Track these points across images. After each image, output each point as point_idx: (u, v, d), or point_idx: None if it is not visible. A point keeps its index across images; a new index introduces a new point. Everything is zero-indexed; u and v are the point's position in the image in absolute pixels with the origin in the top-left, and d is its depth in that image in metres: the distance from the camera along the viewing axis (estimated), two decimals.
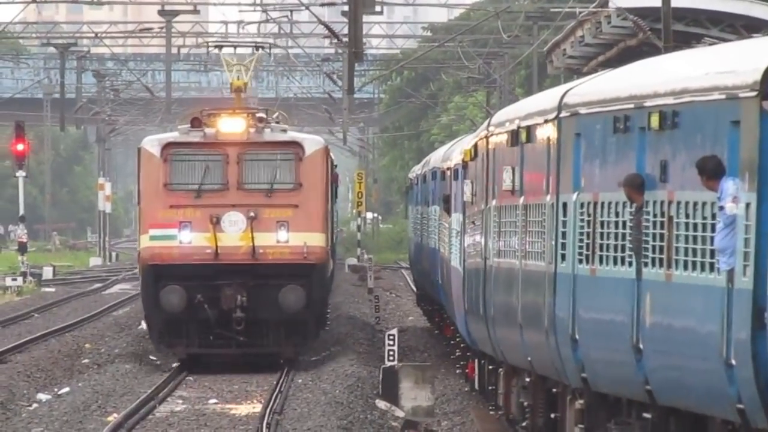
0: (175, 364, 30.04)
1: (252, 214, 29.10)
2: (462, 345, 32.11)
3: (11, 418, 24.40)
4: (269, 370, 28.89)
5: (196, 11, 68.61)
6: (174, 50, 75.84)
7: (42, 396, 28.35)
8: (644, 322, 14.99)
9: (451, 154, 35.36)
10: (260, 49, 42.13)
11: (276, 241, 29.54)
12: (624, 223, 15.69)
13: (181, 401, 26.80)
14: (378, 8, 42.11)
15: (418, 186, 50.99)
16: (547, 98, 22.16)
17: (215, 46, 43.91)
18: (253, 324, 29.47)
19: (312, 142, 30.86)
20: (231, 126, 29.93)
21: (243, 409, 25.39)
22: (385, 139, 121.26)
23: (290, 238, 29.50)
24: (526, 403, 23.04)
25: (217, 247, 29.21)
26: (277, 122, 31.20)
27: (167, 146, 29.75)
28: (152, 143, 30.24)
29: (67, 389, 28.86)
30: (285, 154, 30.02)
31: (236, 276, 29.19)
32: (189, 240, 29.56)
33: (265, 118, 30.55)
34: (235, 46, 41.35)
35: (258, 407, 25.06)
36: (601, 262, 16.83)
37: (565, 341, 18.26)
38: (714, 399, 13.42)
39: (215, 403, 26.38)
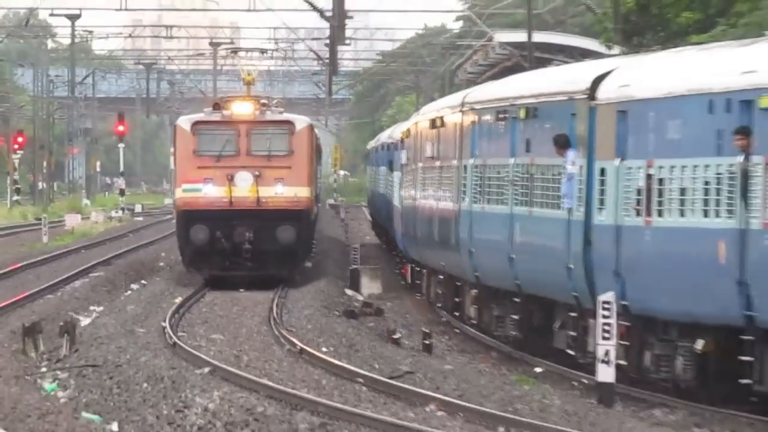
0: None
1: (257, 173, 33.77)
2: (400, 255, 41.10)
3: (114, 300, 31.85)
4: (270, 287, 32.25)
5: (232, 43, 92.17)
6: (218, 67, 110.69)
7: (133, 286, 36.01)
8: (515, 241, 20.51)
9: (393, 133, 49.20)
10: (264, 52, 50.92)
11: (274, 193, 34.11)
12: (503, 177, 21.40)
13: (219, 292, 32.16)
14: (348, 41, 57.43)
15: (373, 154, 67.95)
16: (455, 98, 28.96)
17: (233, 51, 54.26)
18: (257, 253, 34.04)
19: (301, 120, 35.85)
20: (241, 109, 34.73)
21: (260, 296, 30.58)
22: (352, 124, 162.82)
23: (284, 191, 34.10)
24: (440, 292, 29.39)
25: (231, 197, 33.94)
26: (277, 107, 36.30)
27: (196, 124, 34.88)
28: (185, 122, 35.85)
29: (147, 282, 37.15)
30: (281, 129, 34.72)
31: (245, 218, 33.95)
32: (211, 192, 34.12)
33: (267, 103, 36.01)
34: (246, 50, 48.26)
35: (270, 294, 30.75)
36: (488, 202, 22.65)
37: (465, 253, 24.05)
38: (559, 289, 18.58)
39: (242, 292, 32.05)
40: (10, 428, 10.53)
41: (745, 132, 12.60)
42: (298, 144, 34.72)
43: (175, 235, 37.64)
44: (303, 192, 34.63)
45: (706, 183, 13.59)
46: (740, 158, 12.70)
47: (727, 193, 13.02)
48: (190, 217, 34.21)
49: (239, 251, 34.00)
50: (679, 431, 12.78)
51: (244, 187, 33.86)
